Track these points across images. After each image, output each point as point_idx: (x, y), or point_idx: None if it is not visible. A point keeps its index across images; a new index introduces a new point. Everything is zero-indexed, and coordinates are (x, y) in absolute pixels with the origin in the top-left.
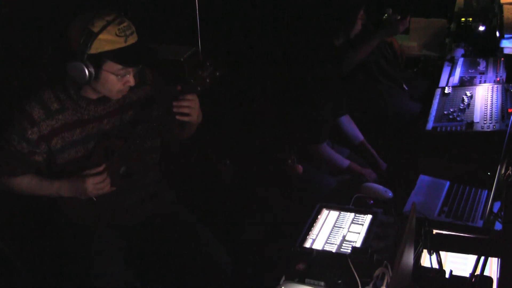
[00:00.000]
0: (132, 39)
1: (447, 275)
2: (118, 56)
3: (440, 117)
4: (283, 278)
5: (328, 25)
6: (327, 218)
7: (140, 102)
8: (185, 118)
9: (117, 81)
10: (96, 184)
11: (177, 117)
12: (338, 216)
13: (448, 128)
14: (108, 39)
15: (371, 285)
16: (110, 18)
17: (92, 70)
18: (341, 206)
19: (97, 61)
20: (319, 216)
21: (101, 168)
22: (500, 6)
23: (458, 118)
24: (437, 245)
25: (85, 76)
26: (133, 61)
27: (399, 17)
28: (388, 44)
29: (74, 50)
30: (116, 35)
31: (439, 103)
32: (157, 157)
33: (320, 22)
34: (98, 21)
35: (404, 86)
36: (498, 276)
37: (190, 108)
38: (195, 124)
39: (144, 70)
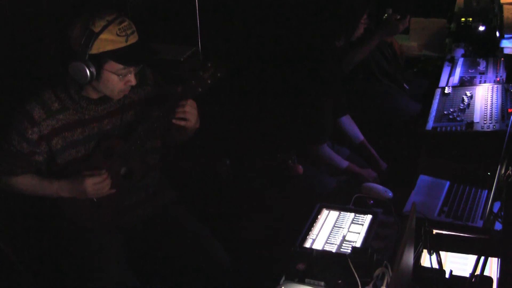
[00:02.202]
0: (133, 38)
1: (447, 275)
2: (119, 55)
3: (440, 117)
4: (283, 278)
5: (331, 28)
6: (327, 218)
7: (141, 102)
8: (182, 123)
9: (118, 80)
10: (95, 184)
11: (174, 120)
12: (338, 216)
13: (448, 128)
14: (109, 39)
15: (371, 285)
16: (111, 17)
17: (93, 70)
18: (341, 206)
19: (98, 61)
20: (319, 216)
21: (101, 169)
22: (500, 6)
23: (458, 118)
24: (437, 245)
25: (86, 76)
26: (134, 61)
27: (398, 17)
28: (388, 44)
29: (75, 50)
30: (117, 34)
31: (439, 103)
32: (157, 157)
33: (322, 24)
34: (98, 21)
35: (405, 85)
36: (498, 276)
37: (188, 113)
38: (192, 130)
39: (145, 70)
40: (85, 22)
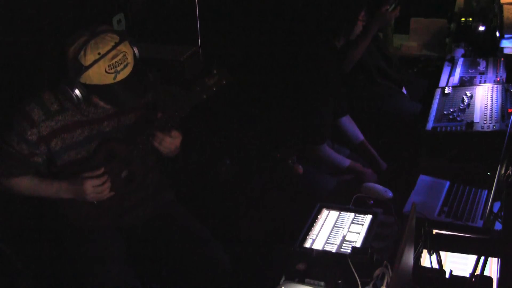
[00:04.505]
0: (123, 75)
1: (447, 275)
2: (104, 93)
3: (440, 117)
4: (283, 278)
5: (329, 26)
6: (327, 218)
7: (142, 105)
8: (162, 149)
9: (107, 105)
10: (95, 187)
11: (155, 143)
12: (338, 216)
13: (448, 128)
14: (96, 75)
15: (371, 285)
16: (105, 49)
17: (80, 96)
18: (341, 206)
19: (87, 89)
20: (319, 216)
21: (100, 171)
22: (500, 6)
23: (458, 118)
24: (437, 245)
25: (73, 100)
26: (118, 101)
27: (388, 7)
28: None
29: (68, 69)
30: (106, 71)
31: (439, 103)
32: (155, 158)
33: (321, 23)
34: (90, 54)
35: (404, 90)
36: (498, 276)
37: (162, 146)
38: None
39: (147, 73)
40: (78, 50)
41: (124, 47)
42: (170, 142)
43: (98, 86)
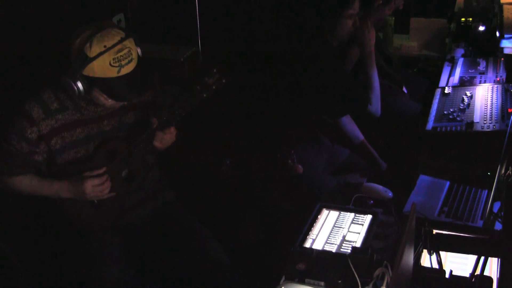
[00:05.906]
0: (127, 69)
1: (447, 275)
2: (106, 86)
3: (440, 117)
4: (283, 278)
5: (315, 24)
6: (327, 218)
7: (142, 104)
8: (160, 147)
9: (108, 100)
10: (95, 186)
11: (155, 142)
12: (338, 216)
13: (448, 128)
14: (100, 67)
15: (371, 285)
16: (111, 42)
17: (82, 89)
18: (341, 206)
19: (89, 82)
20: (319, 216)
21: (101, 171)
22: (500, 6)
23: (458, 118)
24: (437, 245)
25: (75, 93)
26: (120, 95)
27: (380, 1)
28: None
29: (71, 62)
30: (110, 64)
31: (439, 103)
32: (155, 157)
33: (309, 21)
34: (96, 45)
35: (404, 89)
36: (498, 276)
37: (156, 144)
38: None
39: (149, 73)
40: (84, 42)
41: (129, 43)
42: (164, 139)
43: (101, 79)
